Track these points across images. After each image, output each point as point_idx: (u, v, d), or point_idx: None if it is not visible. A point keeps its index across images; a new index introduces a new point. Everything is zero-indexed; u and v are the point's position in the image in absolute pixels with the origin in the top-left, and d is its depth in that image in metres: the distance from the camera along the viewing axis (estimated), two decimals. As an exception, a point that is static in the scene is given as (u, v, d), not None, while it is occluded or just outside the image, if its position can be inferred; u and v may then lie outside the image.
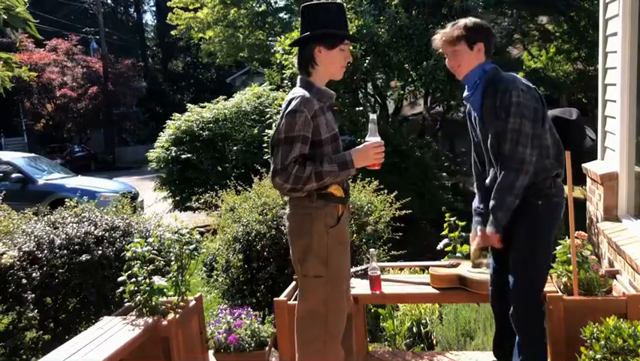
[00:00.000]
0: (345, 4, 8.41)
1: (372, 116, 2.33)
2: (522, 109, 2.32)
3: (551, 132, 2.46)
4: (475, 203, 2.72)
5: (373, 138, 2.29)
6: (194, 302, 3.28)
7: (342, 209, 2.33)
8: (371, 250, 3.31)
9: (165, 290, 3.10)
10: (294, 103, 2.21)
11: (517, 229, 2.47)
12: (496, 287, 2.68)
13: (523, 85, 2.38)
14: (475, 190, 2.77)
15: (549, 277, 3.10)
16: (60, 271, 3.63)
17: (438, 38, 2.54)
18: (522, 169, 2.34)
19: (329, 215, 2.27)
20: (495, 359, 2.79)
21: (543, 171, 2.43)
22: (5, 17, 3.19)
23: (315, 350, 2.28)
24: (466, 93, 2.57)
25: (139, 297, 3.07)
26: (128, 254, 3.11)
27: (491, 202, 2.41)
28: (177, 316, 3.05)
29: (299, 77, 2.36)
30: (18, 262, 3.40)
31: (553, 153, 2.45)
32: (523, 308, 2.46)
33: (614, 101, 3.65)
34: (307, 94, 2.24)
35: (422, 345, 3.64)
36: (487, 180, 2.59)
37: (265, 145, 8.10)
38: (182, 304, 3.21)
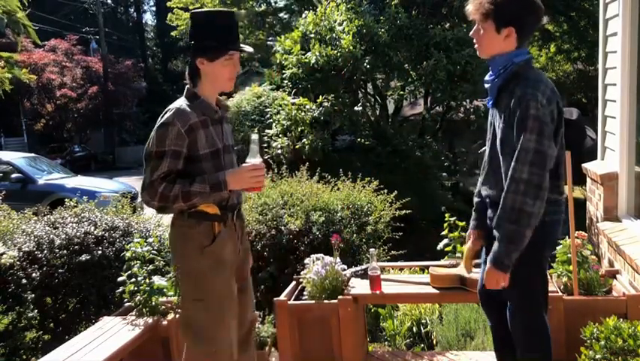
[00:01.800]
0: (345, 5, 8.45)
1: (254, 137, 2.25)
2: (541, 125, 2.04)
3: (559, 152, 2.19)
4: (476, 197, 2.50)
5: (253, 160, 2.15)
6: (194, 302, 3.27)
7: (219, 227, 2.17)
8: (371, 250, 3.30)
9: (165, 290, 3.10)
10: (167, 115, 2.11)
11: None
12: (487, 294, 2.45)
13: (546, 95, 2.08)
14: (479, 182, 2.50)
15: (549, 277, 3.10)
16: (60, 271, 3.63)
17: (470, 3, 2.21)
18: (540, 195, 2.03)
19: (203, 234, 2.14)
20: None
21: None
22: (6, 21, 3.25)
23: None
24: (487, 77, 2.30)
25: (139, 297, 3.07)
26: (128, 254, 3.11)
27: (500, 233, 2.09)
28: (177, 316, 3.04)
29: (186, 87, 2.24)
30: (18, 262, 3.40)
31: (552, 175, 2.15)
32: (525, 339, 2.29)
33: (614, 101, 3.65)
34: (186, 106, 2.14)
35: (422, 345, 3.64)
36: (479, 183, 2.43)
37: (265, 145, 8.11)
38: (182, 304, 3.20)
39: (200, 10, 2.29)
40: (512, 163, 2.08)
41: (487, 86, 2.31)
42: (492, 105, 2.29)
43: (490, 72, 2.28)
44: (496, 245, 2.11)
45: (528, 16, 2.16)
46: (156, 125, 2.12)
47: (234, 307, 2.24)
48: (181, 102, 2.17)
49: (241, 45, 2.23)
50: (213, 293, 2.16)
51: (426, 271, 3.45)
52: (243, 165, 2.16)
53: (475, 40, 2.26)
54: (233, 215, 2.25)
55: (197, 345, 2.18)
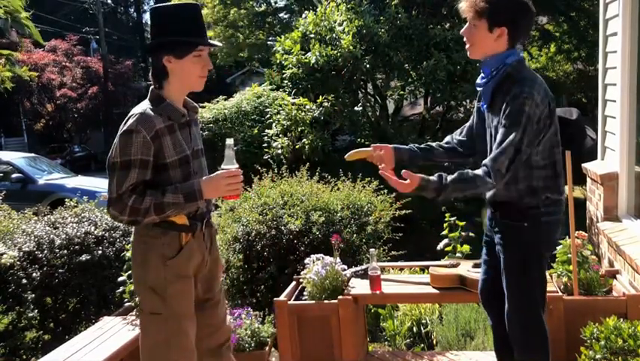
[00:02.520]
0: (345, 5, 8.45)
1: (229, 142, 2.08)
2: (527, 123, 2.05)
3: (552, 151, 2.20)
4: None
5: (228, 166, 2.04)
6: (194, 302, 3.27)
7: (187, 238, 2.05)
8: (371, 250, 3.31)
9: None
10: (130, 122, 1.95)
11: (505, 253, 2.28)
12: (488, 294, 2.51)
13: (540, 95, 2.09)
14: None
15: (549, 277, 3.11)
16: (60, 271, 3.63)
17: (464, 1, 2.18)
18: (494, 182, 2.06)
19: (167, 245, 2.01)
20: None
21: (531, 193, 2.17)
22: (10, 22, 3.24)
23: None
24: (479, 80, 2.28)
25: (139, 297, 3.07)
26: (128, 254, 3.11)
27: (455, 180, 2.07)
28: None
29: (150, 88, 2.08)
30: (18, 262, 3.40)
31: (550, 175, 2.20)
32: (523, 339, 2.29)
33: (614, 101, 3.65)
34: (150, 110, 1.99)
35: (422, 345, 3.64)
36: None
37: (265, 145, 8.10)
38: (182, 304, 3.20)
39: (160, 4, 2.14)
40: (495, 149, 2.08)
41: (479, 89, 2.29)
42: (487, 109, 2.28)
43: (482, 75, 2.26)
44: (437, 178, 2.05)
45: (522, 18, 2.15)
46: (119, 133, 1.96)
47: (193, 325, 2.11)
48: (144, 106, 2.01)
49: (210, 40, 2.11)
50: (172, 308, 2.02)
51: (426, 271, 3.45)
52: (218, 172, 2.03)
53: (465, 39, 2.24)
54: (202, 225, 2.12)
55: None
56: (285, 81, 8.88)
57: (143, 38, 36.14)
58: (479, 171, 2.09)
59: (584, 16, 12.49)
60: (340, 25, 8.20)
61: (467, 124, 2.53)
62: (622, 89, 3.52)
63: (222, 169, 2.04)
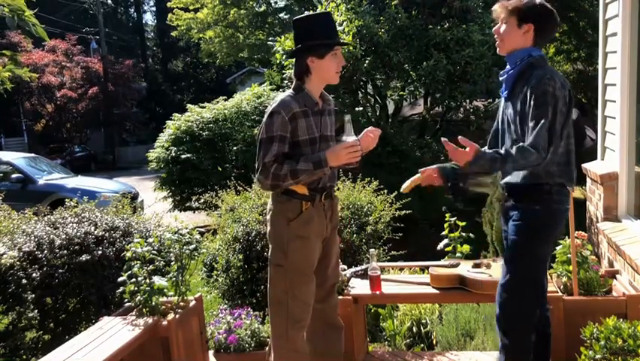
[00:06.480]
0: (344, 5, 8.45)
1: (347, 117, 2.48)
2: (556, 100, 2.24)
3: (568, 141, 2.35)
4: None
5: (348, 138, 2.42)
6: (194, 302, 3.28)
7: (306, 205, 2.46)
8: (371, 250, 3.31)
9: (165, 290, 3.10)
10: (273, 105, 2.43)
11: (513, 232, 2.38)
12: None
13: (561, 81, 2.29)
14: None
15: (549, 277, 3.11)
16: (60, 271, 3.62)
17: (497, 5, 2.44)
18: (529, 160, 2.21)
19: (290, 210, 2.46)
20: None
21: (546, 175, 2.32)
22: (17, 20, 3.29)
23: (278, 335, 2.49)
24: (503, 71, 2.49)
25: (139, 297, 3.07)
26: (128, 254, 3.11)
27: (490, 155, 2.27)
28: (177, 316, 3.05)
29: (294, 82, 2.52)
30: (18, 263, 3.40)
31: (563, 162, 2.34)
32: (509, 308, 2.37)
33: (614, 102, 3.66)
34: (290, 97, 2.45)
35: (422, 345, 3.64)
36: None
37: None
38: (182, 304, 3.21)
39: (300, 16, 2.55)
40: (530, 127, 2.24)
41: (502, 78, 2.47)
42: (507, 97, 2.44)
43: (508, 66, 2.44)
44: (489, 157, 2.26)
45: (547, 20, 2.39)
46: (265, 115, 2.43)
47: (310, 281, 2.49)
48: (286, 94, 2.48)
49: (342, 40, 2.47)
50: (291, 262, 2.44)
51: (426, 271, 3.45)
52: (339, 143, 2.41)
53: (496, 37, 2.46)
54: (322, 196, 2.51)
55: (278, 310, 2.48)
56: (285, 81, 8.87)
57: (143, 38, 36.14)
58: (519, 151, 2.23)
59: (584, 17, 12.49)
60: (340, 25, 8.20)
61: (494, 127, 2.65)
62: (622, 90, 3.53)
63: (342, 141, 2.42)
